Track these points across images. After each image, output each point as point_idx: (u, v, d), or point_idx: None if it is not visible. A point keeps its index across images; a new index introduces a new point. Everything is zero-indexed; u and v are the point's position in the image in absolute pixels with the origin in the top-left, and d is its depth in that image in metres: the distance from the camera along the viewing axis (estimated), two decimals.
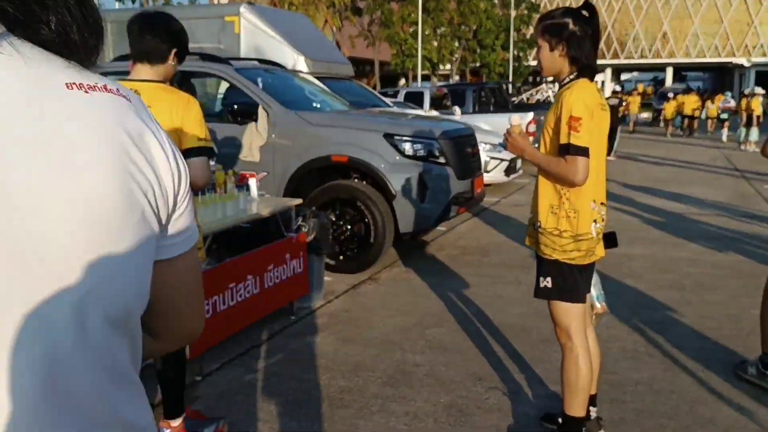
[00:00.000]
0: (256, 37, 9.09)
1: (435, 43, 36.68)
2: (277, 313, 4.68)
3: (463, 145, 6.32)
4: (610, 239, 2.85)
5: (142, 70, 2.79)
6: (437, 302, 5.18)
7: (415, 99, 14.99)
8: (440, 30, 36.32)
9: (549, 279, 2.78)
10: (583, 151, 2.58)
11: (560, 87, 2.74)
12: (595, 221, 2.71)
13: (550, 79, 2.95)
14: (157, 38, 2.75)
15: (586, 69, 2.70)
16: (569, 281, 2.75)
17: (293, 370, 3.90)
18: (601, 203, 2.77)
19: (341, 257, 5.98)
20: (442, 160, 5.95)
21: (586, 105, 2.59)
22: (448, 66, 38.24)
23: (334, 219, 5.99)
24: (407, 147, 5.87)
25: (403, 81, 40.44)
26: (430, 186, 5.85)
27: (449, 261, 6.48)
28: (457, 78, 38.19)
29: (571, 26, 2.66)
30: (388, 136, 5.88)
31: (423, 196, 5.85)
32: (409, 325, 4.66)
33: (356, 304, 5.14)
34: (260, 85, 6.58)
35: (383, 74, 40.25)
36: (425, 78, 38.14)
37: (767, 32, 46.91)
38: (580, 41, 2.67)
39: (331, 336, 4.45)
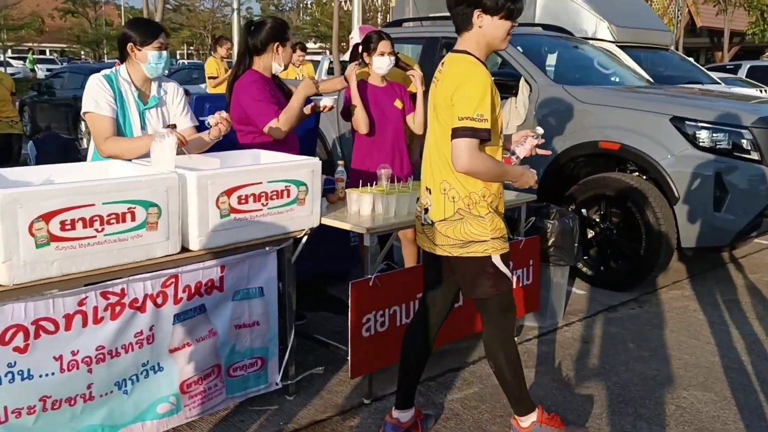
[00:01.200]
0: (555, 0, 8.06)
1: None
2: None
3: None
4: None
5: (458, 41, 2.54)
6: (712, 350, 3.82)
7: (762, 76, 12.39)
8: None
9: None
10: None
11: None
12: None
13: None
14: (457, 1, 2.45)
15: None
16: None
17: (480, 415, 3.07)
18: None
19: (602, 268, 4.85)
20: (754, 155, 4.41)
21: None
22: None
23: (597, 220, 4.88)
24: (703, 136, 4.45)
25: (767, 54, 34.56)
26: (732, 190, 4.37)
27: (757, 289, 4.89)
28: None
29: None
30: (678, 121, 4.52)
31: (720, 203, 4.40)
32: (658, 379, 3.45)
33: (601, 334, 4.04)
34: (541, 55, 5.68)
35: (745, 47, 34.82)
36: None
37: None
38: None
39: (547, 375, 3.48)
